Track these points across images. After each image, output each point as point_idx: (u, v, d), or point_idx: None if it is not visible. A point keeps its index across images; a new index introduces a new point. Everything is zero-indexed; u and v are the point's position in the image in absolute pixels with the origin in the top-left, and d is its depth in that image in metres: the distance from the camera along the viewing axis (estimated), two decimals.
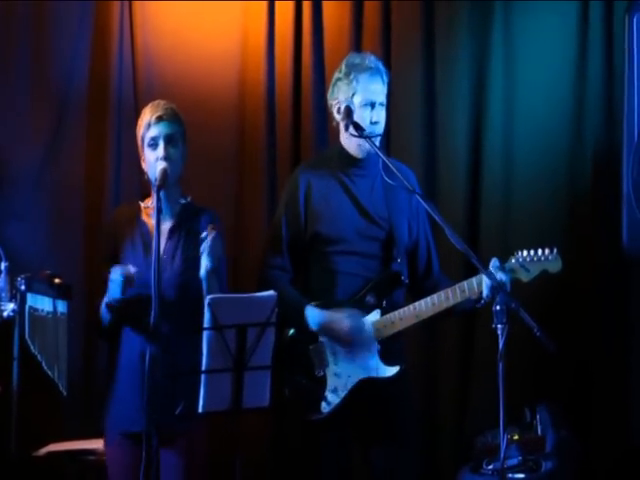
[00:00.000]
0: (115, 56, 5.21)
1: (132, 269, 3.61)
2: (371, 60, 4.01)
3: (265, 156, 5.23)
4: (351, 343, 3.86)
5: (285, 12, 5.25)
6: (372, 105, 3.94)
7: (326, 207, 3.96)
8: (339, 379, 3.86)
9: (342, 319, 3.85)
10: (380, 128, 3.96)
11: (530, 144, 5.03)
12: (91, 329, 5.00)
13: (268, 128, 5.25)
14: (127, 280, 3.60)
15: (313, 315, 3.88)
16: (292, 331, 3.92)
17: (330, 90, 4.05)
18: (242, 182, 5.27)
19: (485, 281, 3.75)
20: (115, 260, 3.78)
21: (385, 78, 3.99)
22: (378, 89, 3.96)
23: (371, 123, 3.93)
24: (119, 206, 4.05)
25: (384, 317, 3.89)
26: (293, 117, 5.25)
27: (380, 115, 3.96)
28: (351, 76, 3.96)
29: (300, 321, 3.87)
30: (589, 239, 4.91)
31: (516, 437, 4.49)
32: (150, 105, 3.84)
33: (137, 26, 5.26)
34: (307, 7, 5.25)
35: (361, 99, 3.95)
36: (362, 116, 3.94)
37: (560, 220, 4.95)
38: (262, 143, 5.24)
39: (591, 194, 4.93)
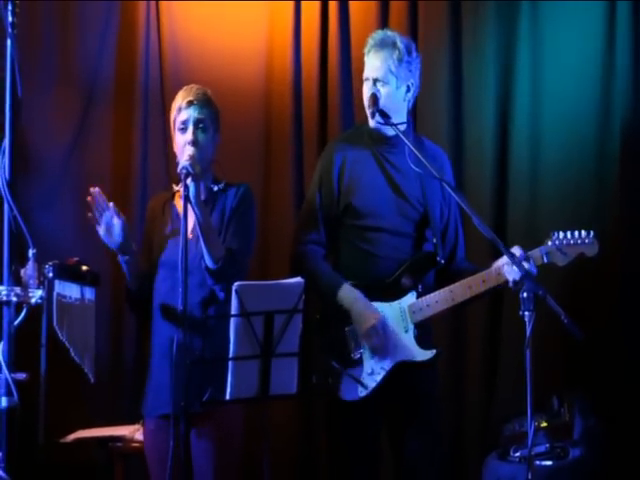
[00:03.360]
0: (142, 51, 5.25)
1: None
2: (377, 36, 3.94)
3: (291, 157, 5.24)
4: (369, 342, 3.79)
5: (311, 12, 5.24)
6: (367, 80, 3.90)
7: (360, 180, 3.90)
8: (375, 362, 3.79)
9: (369, 318, 3.77)
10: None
11: (557, 132, 5.00)
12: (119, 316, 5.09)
13: (295, 128, 5.25)
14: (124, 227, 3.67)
15: (347, 297, 3.79)
16: (317, 316, 3.88)
17: None
18: (270, 180, 5.29)
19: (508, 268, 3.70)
20: (148, 246, 3.84)
21: (392, 52, 3.88)
22: (376, 65, 3.88)
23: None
24: (156, 194, 4.04)
25: (420, 300, 3.81)
26: (319, 117, 5.24)
27: (378, 90, 3.87)
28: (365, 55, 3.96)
29: (333, 300, 3.79)
30: (618, 226, 4.88)
31: (544, 424, 4.47)
32: (183, 89, 3.82)
33: (164, 25, 5.28)
34: (333, 7, 5.23)
35: (364, 76, 3.93)
36: (364, 93, 3.92)
37: (588, 207, 4.91)
38: (289, 139, 5.25)
39: (619, 181, 4.90)
